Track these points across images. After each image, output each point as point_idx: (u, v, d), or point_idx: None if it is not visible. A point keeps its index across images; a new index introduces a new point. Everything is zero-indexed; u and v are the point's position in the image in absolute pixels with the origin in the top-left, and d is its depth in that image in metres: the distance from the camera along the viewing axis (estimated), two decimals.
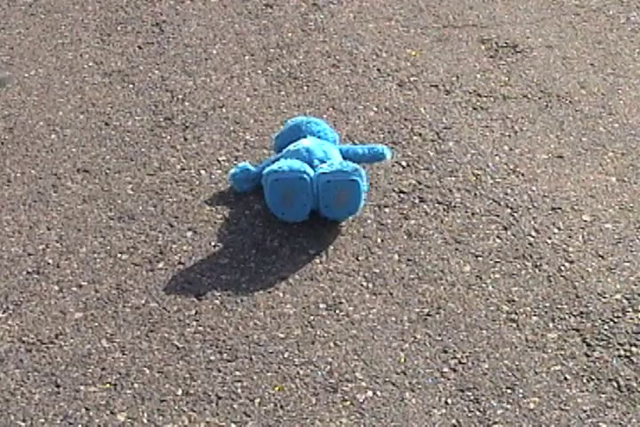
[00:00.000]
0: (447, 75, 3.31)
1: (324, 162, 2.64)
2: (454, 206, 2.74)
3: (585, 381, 2.24)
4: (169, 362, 2.30)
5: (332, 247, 2.60)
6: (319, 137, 2.75)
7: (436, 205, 2.74)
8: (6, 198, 2.79)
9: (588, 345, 2.32)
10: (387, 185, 2.81)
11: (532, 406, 2.19)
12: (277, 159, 2.68)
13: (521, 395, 2.21)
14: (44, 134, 3.05)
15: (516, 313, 2.41)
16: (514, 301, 2.44)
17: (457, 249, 2.60)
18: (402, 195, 2.78)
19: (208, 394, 2.22)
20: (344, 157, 2.72)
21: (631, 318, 2.38)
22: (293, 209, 2.60)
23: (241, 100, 3.20)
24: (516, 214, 2.70)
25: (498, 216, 2.70)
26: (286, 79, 3.29)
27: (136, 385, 2.24)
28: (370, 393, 2.22)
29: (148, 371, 2.28)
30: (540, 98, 3.19)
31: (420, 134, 3.02)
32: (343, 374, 2.26)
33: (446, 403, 2.20)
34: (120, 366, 2.29)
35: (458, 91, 3.23)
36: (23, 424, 2.16)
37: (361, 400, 2.21)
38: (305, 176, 2.56)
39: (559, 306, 2.42)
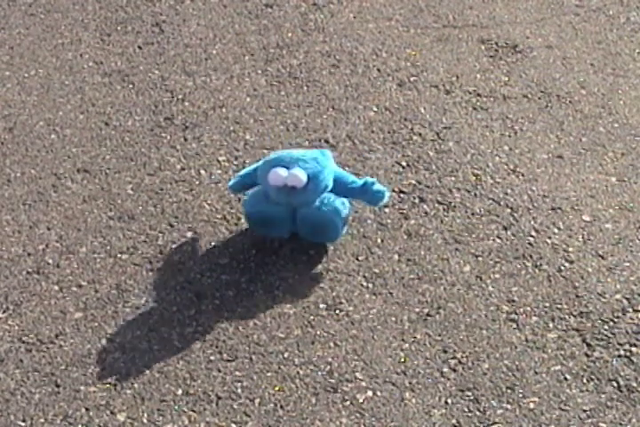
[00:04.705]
0: (447, 75, 3.31)
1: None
2: (454, 206, 2.74)
3: (585, 381, 2.24)
4: (169, 362, 2.30)
5: (332, 247, 2.60)
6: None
7: (436, 205, 2.74)
8: (6, 198, 2.79)
9: (588, 345, 2.32)
10: (387, 185, 2.81)
11: (531, 406, 2.19)
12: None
13: (521, 395, 2.21)
14: (44, 134, 3.05)
15: (516, 313, 2.41)
16: (514, 301, 2.44)
17: (457, 249, 2.60)
18: (402, 195, 2.78)
19: (208, 394, 2.22)
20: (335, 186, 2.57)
21: (631, 318, 2.38)
22: (275, 231, 2.57)
23: (241, 100, 3.20)
24: (515, 214, 2.70)
25: (498, 216, 2.70)
26: (286, 79, 3.30)
27: (136, 385, 2.24)
28: (370, 393, 2.22)
29: (147, 371, 2.28)
30: (539, 98, 3.19)
31: (420, 134, 3.02)
32: (343, 374, 2.26)
33: (446, 403, 2.20)
34: (120, 366, 2.29)
35: (458, 91, 3.23)
36: (23, 424, 2.16)
37: (361, 400, 2.21)
38: (282, 210, 2.51)
39: (559, 306, 2.42)
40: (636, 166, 2.89)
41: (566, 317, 2.40)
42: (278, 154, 2.53)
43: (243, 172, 2.63)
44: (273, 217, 2.53)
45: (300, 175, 2.43)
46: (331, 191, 2.53)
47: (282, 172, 2.44)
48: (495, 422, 2.16)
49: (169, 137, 3.03)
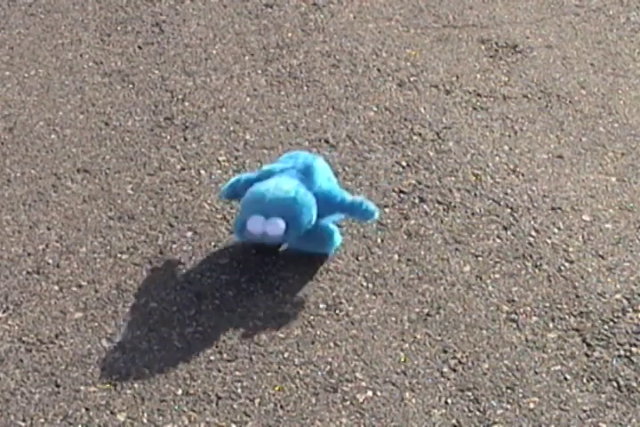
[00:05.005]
0: (447, 75, 3.31)
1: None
2: (454, 206, 2.74)
3: (585, 381, 2.24)
4: (169, 362, 2.30)
5: None
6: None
7: (436, 205, 2.74)
8: (6, 198, 2.79)
9: (588, 345, 2.32)
10: (387, 185, 2.81)
11: (531, 406, 2.19)
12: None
13: (521, 395, 2.21)
14: (44, 134, 3.05)
15: (516, 313, 2.41)
16: (514, 301, 2.44)
17: (457, 249, 2.60)
18: (402, 195, 2.78)
19: (208, 394, 2.22)
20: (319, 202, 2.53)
21: (631, 318, 2.38)
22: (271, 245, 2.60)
23: (241, 100, 3.20)
24: (515, 214, 2.70)
25: (498, 216, 2.70)
26: (286, 79, 3.29)
27: (136, 385, 2.24)
28: (370, 393, 2.22)
29: (147, 371, 2.28)
30: (539, 98, 3.19)
31: (420, 134, 3.02)
32: (343, 374, 2.26)
33: (446, 403, 2.20)
34: (120, 366, 2.29)
35: (458, 91, 3.23)
36: (23, 424, 2.16)
37: (361, 400, 2.20)
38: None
39: (559, 306, 2.42)
40: (635, 166, 2.89)
41: (566, 317, 2.40)
42: (255, 195, 2.46)
43: (233, 180, 2.58)
44: (262, 243, 2.54)
45: (279, 224, 2.43)
46: (319, 209, 2.48)
47: (260, 220, 2.43)
48: (495, 422, 2.16)
49: (169, 137, 3.03)
